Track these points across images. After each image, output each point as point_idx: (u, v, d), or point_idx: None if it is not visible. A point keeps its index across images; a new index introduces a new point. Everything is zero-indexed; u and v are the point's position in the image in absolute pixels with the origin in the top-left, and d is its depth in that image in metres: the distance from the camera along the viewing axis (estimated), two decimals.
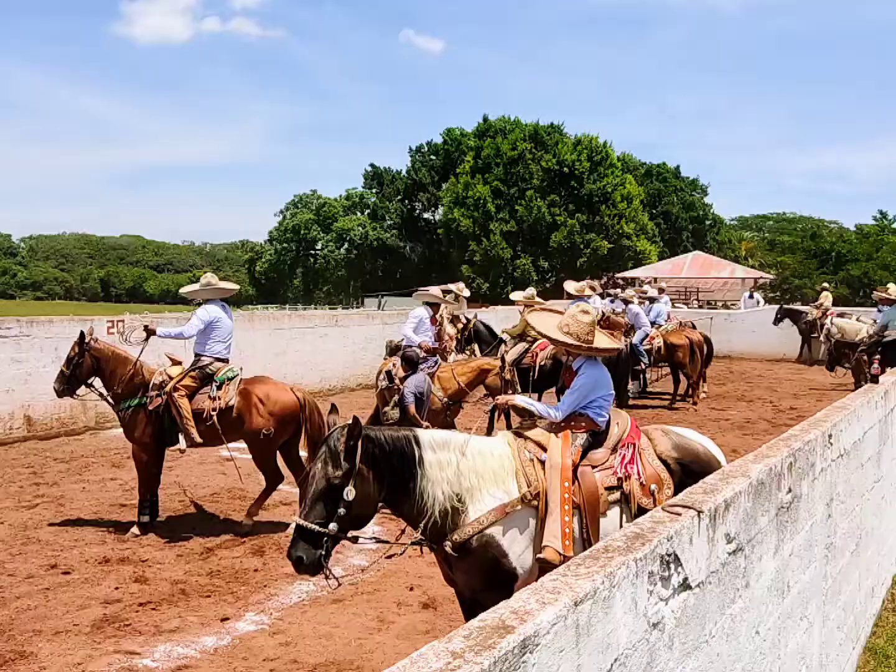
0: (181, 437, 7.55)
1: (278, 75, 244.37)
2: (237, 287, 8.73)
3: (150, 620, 5.58)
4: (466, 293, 15.22)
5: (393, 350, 14.62)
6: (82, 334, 7.62)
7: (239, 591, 6.14)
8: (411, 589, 6.17)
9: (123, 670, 4.86)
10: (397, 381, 8.66)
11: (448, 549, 3.97)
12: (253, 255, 79.31)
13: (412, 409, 8.14)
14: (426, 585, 6.16)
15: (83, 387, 7.75)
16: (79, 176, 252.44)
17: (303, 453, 7.91)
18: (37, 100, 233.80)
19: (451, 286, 15.56)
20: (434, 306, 10.50)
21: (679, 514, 2.45)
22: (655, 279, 30.07)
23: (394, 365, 9.28)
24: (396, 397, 8.49)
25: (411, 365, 8.47)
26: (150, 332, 7.73)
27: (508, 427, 10.56)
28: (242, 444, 8.21)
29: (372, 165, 66.70)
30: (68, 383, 7.68)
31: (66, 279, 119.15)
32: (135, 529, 7.40)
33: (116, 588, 6.14)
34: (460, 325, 13.95)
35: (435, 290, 11.25)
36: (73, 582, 6.27)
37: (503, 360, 10.19)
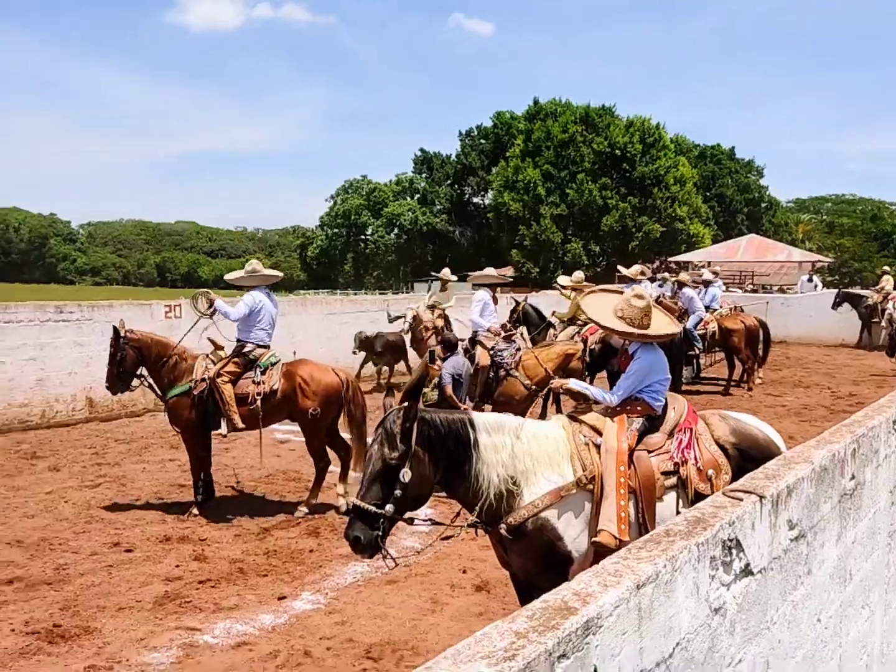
0: (223, 422, 7.65)
1: (327, 61, 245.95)
2: (281, 275, 8.79)
3: (210, 598, 5.72)
4: (453, 278, 15.17)
5: (363, 342, 14.52)
6: (115, 329, 7.67)
7: (295, 570, 6.25)
8: (464, 571, 6.21)
9: (184, 646, 4.99)
10: (438, 363, 8.69)
11: (503, 531, 3.98)
12: (304, 241, 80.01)
13: (449, 389, 8.21)
14: (479, 568, 6.19)
15: (135, 379, 7.81)
16: (135, 163, 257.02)
17: (345, 435, 8.00)
18: (94, 89, 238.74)
19: (436, 275, 15.57)
20: (492, 287, 10.49)
21: (741, 500, 2.42)
22: (709, 263, 29.55)
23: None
24: (436, 379, 8.54)
25: (449, 347, 8.52)
26: (210, 302, 7.92)
27: (558, 411, 10.52)
28: (289, 427, 8.33)
29: (421, 150, 66.70)
30: (119, 380, 7.76)
31: (124, 265, 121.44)
32: (193, 509, 7.57)
33: (177, 566, 6.30)
34: (437, 313, 13.86)
35: (490, 271, 11.13)
36: (136, 560, 6.44)
37: (585, 342, 10.04)
